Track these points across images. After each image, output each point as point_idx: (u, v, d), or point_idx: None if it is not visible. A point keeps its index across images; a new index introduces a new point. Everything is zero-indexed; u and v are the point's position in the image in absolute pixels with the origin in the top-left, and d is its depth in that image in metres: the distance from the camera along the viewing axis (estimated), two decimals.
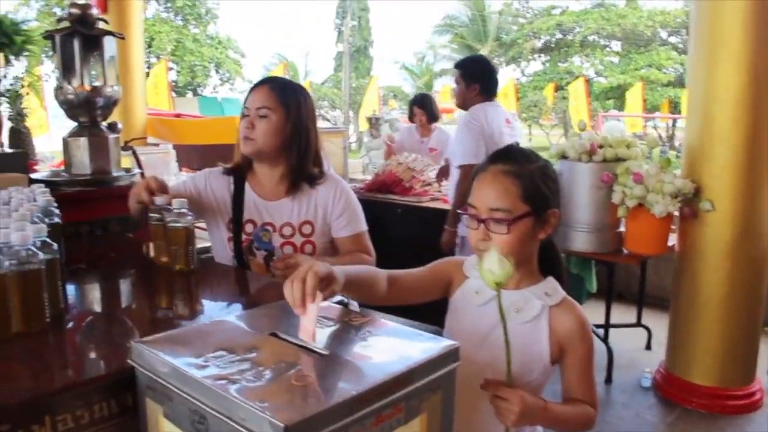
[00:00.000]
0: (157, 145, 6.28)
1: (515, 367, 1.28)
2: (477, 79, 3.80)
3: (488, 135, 3.64)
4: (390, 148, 5.71)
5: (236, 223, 2.04)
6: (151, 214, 1.79)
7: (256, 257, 2.03)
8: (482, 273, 1.26)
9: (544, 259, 1.51)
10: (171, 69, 22.74)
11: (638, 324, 4.41)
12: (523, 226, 1.38)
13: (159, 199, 1.77)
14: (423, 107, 5.55)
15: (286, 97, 1.99)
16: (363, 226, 2.12)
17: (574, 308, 1.46)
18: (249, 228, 2.04)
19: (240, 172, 2.09)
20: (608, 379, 3.79)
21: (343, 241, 2.09)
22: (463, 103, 3.87)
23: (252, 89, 2.03)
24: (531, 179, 1.40)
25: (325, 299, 1.15)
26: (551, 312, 1.44)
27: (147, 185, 1.80)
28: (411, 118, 5.74)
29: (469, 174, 3.51)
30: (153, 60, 21.18)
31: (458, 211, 1.49)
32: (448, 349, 1.04)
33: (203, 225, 2.20)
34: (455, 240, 3.76)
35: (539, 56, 30.26)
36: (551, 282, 1.47)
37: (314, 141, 2.06)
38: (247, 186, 2.08)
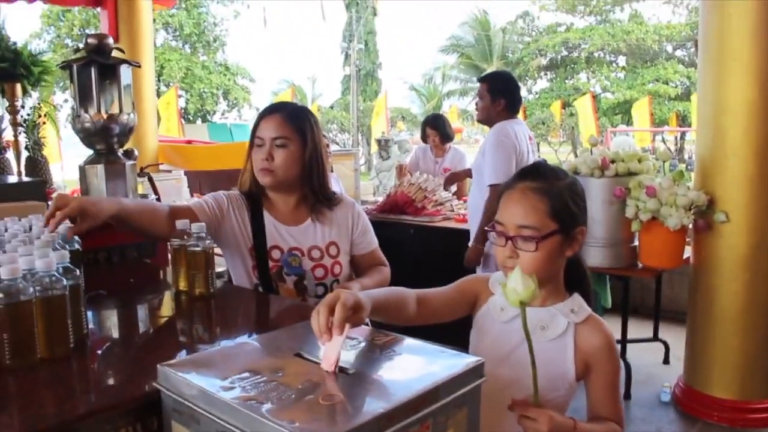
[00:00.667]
0: (169, 171, 6.33)
1: (540, 384, 1.28)
2: (503, 94, 3.76)
3: (519, 153, 3.64)
4: (402, 169, 5.69)
5: (259, 249, 2.00)
6: (172, 240, 1.80)
7: (286, 283, 2.00)
8: (506, 292, 1.26)
9: (570, 275, 1.50)
10: (180, 96, 22.97)
11: (655, 338, 4.38)
12: (551, 243, 1.38)
13: (62, 228, 1.59)
14: (436, 128, 5.54)
15: (301, 124, 1.99)
16: (376, 242, 2.21)
17: (600, 325, 1.45)
18: (276, 254, 2.01)
19: (254, 198, 2.07)
20: (627, 395, 3.75)
21: (361, 258, 2.15)
22: (487, 118, 3.83)
23: (262, 118, 2.00)
24: (559, 196, 1.39)
25: (351, 328, 1.14)
26: (577, 329, 1.43)
27: (47, 214, 1.62)
28: (424, 139, 5.71)
29: (499, 193, 3.51)
30: (163, 88, 21.40)
31: (486, 228, 1.48)
32: (473, 366, 1.04)
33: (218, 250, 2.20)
34: (481, 257, 3.75)
35: (545, 74, 30.41)
36: (577, 299, 1.46)
37: (326, 162, 2.08)
38: (264, 212, 2.05)
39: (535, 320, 1.41)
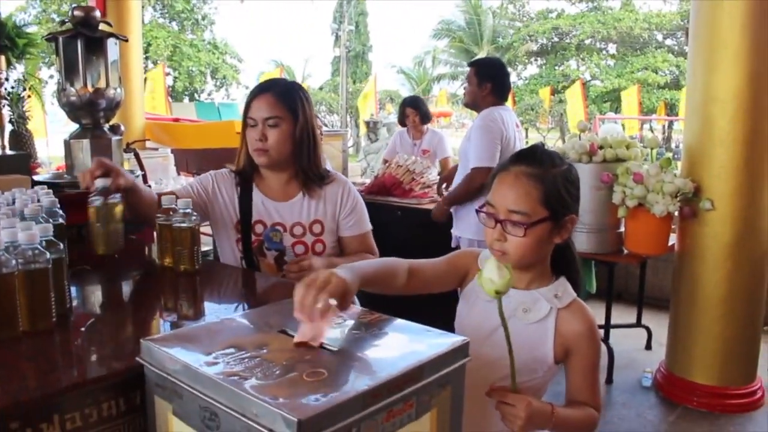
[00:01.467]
0: (156, 149, 6.28)
1: (517, 366, 1.28)
2: (490, 78, 3.77)
3: (505, 139, 3.63)
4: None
5: (245, 224, 2.03)
6: (158, 215, 1.79)
7: (266, 258, 2.03)
8: (482, 281, 1.25)
9: (558, 259, 1.49)
10: (168, 74, 22.76)
11: (638, 324, 4.42)
12: (540, 230, 1.37)
13: (99, 182, 1.68)
14: (416, 107, 5.55)
15: (292, 102, 1.99)
16: (368, 226, 2.16)
17: (582, 311, 1.45)
18: (259, 229, 2.03)
19: (246, 175, 2.09)
20: (609, 380, 3.79)
21: (349, 240, 2.11)
22: (473, 102, 3.84)
23: (254, 97, 2.00)
24: (553, 184, 1.37)
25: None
26: (559, 314, 1.43)
27: (90, 170, 1.72)
28: (402, 121, 5.72)
29: (481, 177, 3.50)
30: (150, 65, 21.17)
31: (476, 209, 1.47)
32: (458, 345, 1.04)
33: (207, 229, 2.19)
34: (445, 217, 3.86)
35: (535, 60, 30.39)
36: (563, 284, 1.46)
37: (318, 139, 2.07)
38: (254, 188, 2.07)
39: (518, 303, 1.42)
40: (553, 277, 1.48)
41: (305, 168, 2.03)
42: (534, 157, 1.41)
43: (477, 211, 1.46)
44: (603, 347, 3.81)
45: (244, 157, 2.07)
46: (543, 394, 1.49)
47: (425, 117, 5.57)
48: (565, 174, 1.41)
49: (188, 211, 1.75)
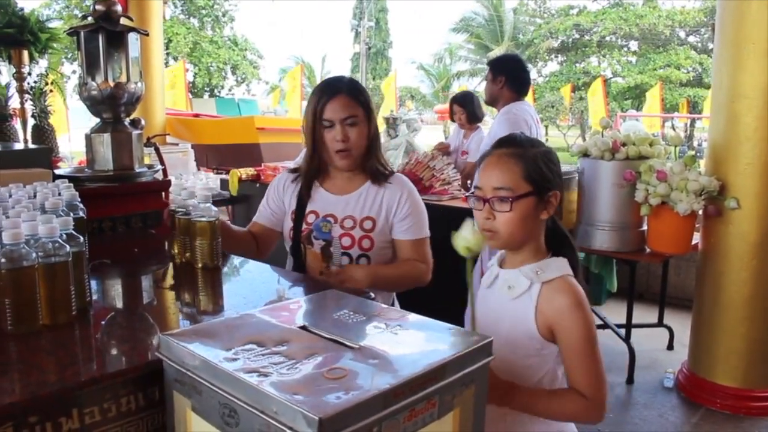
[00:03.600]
0: (176, 144, 6.32)
1: (502, 342, 1.29)
2: (503, 72, 3.75)
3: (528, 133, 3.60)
4: (444, 148, 5.50)
5: (299, 213, 2.08)
6: (177, 209, 1.79)
7: (313, 246, 2.05)
8: (456, 241, 1.34)
9: (551, 240, 1.53)
10: (188, 70, 22.87)
11: (660, 324, 4.36)
12: (525, 204, 1.43)
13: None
14: (463, 105, 5.37)
15: (364, 99, 2.01)
16: (423, 233, 2.10)
17: (566, 287, 1.43)
18: (311, 218, 2.07)
19: (312, 173, 2.11)
20: (630, 380, 3.75)
21: (402, 244, 2.08)
22: (491, 97, 3.84)
23: (328, 99, 1.99)
24: (533, 161, 1.45)
25: None
26: (542, 290, 1.44)
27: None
28: (452, 117, 5.61)
29: None
30: (171, 62, 21.29)
31: (465, 194, 1.52)
32: (482, 344, 1.02)
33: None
34: None
35: (556, 56, 30.15)
36: (552, 261, 1.47)
37: (379, 133, 2.09)
38: (316, 182, 2.11)
39: (505, 280, 1.49)
40: (546, 257, 1.50)
41: (373, 163, 2.05)
42: (514, 141, 1.51)
43: (467, 197, 1.54)
44: (624, 347, 3.79)
45: (314, 157, 2.07)
46: (549, 377, 1.47)
47: (472, 117, 5.36)
48: (545, 153, 1.49)
49: (208, 205, 1.74)
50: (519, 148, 1.47)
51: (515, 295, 1.46)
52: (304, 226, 2.06)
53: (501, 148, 1.49)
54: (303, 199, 2.09)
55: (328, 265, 2.01)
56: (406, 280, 2.06)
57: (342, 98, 1.98)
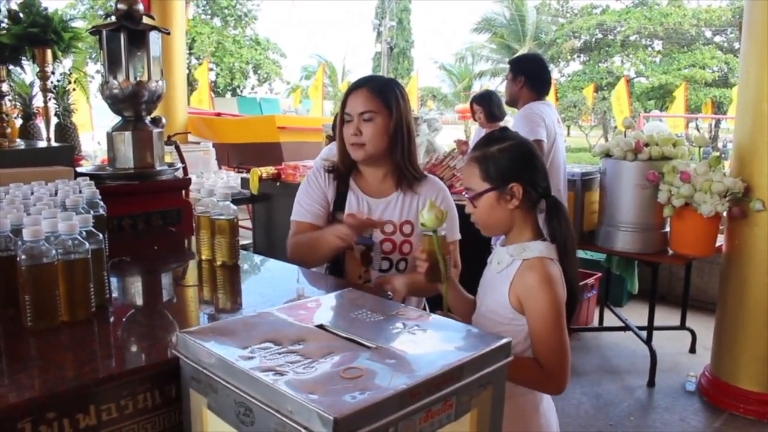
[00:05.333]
0: (197, 143, 6.36)
1: (485, 309, 1.64)
2: (523, 71, 3.72)
3: (548, 134, 3.56)
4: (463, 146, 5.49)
5: (335, 217, 2.04)
6: (198, 207, 1.79)
7: (353, 251, 2.02)
8: (420, 217, 1.58)
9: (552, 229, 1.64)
10: (211, 70, 23.02)
11: (682, 327, 4.30)
12: (487, 200, 1.60)
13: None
14: (481, 104, 5.34)
15: (387, 97, 1.98)
16: (455, 236, 2.07)
17: (538, 266, 1.54)
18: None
19: (342, 171, 2.10)
20: (651, 383, 3.71)
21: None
22: (511, 97, 3.80)
23: (349, 93, 2.01)
24: (490, 160, 1.60)
25: None
26: (521, 267, 1.57)
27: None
28: (473, 116, 5.58)
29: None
30: (194, 62, 21.44)
31: (466, 197, 1.67)
32: (500, 345, 1.01)
33: (246, 223, 2.20)
34: None
35: (578, 56, 29.90)
36: (534, 243, 1.59)
37: (413, 135, 2.06)
38: (351, 182, 2.08)
39: (496, 256, 1.66)
40: (539, 238, 1.62)
41: (400, 164, 2.02)
42: (478, 144, 1.66)
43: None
44: (645, 349, 3.75)
45: (341, 153, 2.08)
46: (519, 350, 1.56)
47: (491, 116, 5.29)
48: (507, 148, 1.61)
49: (227, 203, 1.74)
50: (479, 150, 1.63)
51: (499, 270, 1.62)
52: None
53: (472, 153, 1.66)
54: (340, 200, 2.07)
55: (367, 269, 2.00)
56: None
57: (362, 92, 1.98)
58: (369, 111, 1.95)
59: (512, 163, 1.60)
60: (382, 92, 1.98)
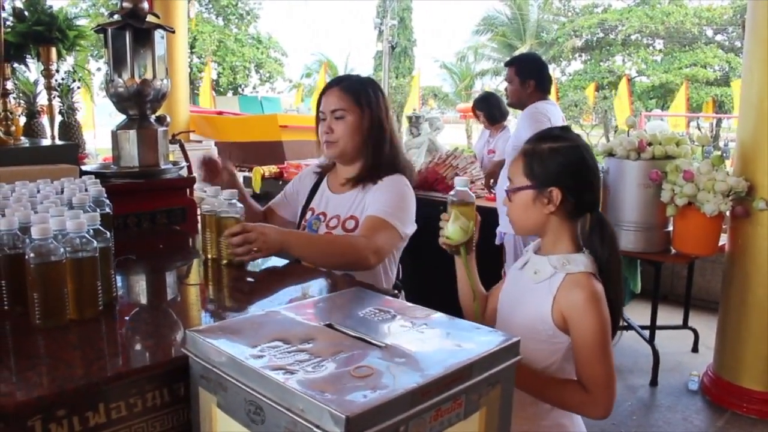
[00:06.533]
0: (200, 141, 6.36)
1: (519, 321, 1.50)
2: (532, 75, 3.72)
3: None
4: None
5: (302, 210, 2.15)
6: (204, 206, 1.80)
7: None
8: (442, 231, 1.58)
9: (594, 239, 1.54)
10: (212, 69, 23.00)
11: (685, 326, 4.31)
12: (523, 197, 1.53)
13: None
14: (481, 108, 5.39)
15: (359, 95, 2.00)
16: (390, 218, 1.92)
17: (586, 283, 1.45)
18: (308, 215, 2.12)
19: (325, 169, 2.19)
20: (654, 382, 3.71)
21: (362, 220, 1.97)
22: (518, 101, 3.79)
23: (323, 92, 2.04)
24: (537, 158, 1.52)
25: None
26: (564, 281, 1.47)
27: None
28: (477, 119, 5.65)
29: None
30: (195, 60, 21.43)
31: (505, 189, 1.60)
32: (508, 343, 1.01)
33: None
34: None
35: (580, 55, 29.85)
36: (577, 256, 1.50)
37: (390, 133, 2.06)
38: (324, 179, 2.16)
39: (533, 264, 1.56)
40: (579, 250, 1.52)
41: (370, 163, 2.04)
42: (532, 138, 1.59)
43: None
44: (648, 349, 3.75)
45: (320, 151, 2.13)
46: (555, 368, 1.50)
47: (491, 118, 5.33)
48: (556, 150, 1.51)
49: (233, 201, 1.75)
50: (530, 145, 1.55)
51: (538, 280, 1.51)
52: (303, 223, 2.13)
53: (524, 144, 1.58)
54: (310, 195, 2.16)
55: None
56: (334, 249, 1.88)
57: (334, 91, 2.01)
58: (340, 109, 1.99)
59: (558, 165, 1.50)
60: (354, 91, 2.01)
